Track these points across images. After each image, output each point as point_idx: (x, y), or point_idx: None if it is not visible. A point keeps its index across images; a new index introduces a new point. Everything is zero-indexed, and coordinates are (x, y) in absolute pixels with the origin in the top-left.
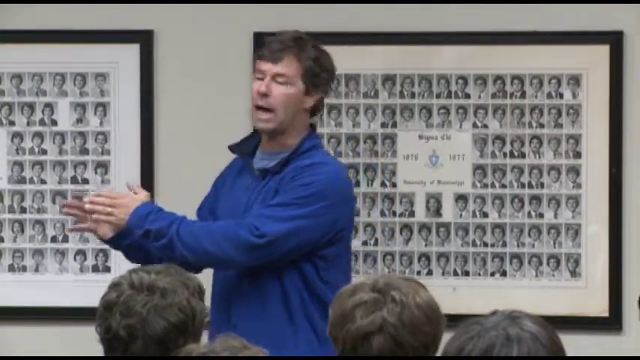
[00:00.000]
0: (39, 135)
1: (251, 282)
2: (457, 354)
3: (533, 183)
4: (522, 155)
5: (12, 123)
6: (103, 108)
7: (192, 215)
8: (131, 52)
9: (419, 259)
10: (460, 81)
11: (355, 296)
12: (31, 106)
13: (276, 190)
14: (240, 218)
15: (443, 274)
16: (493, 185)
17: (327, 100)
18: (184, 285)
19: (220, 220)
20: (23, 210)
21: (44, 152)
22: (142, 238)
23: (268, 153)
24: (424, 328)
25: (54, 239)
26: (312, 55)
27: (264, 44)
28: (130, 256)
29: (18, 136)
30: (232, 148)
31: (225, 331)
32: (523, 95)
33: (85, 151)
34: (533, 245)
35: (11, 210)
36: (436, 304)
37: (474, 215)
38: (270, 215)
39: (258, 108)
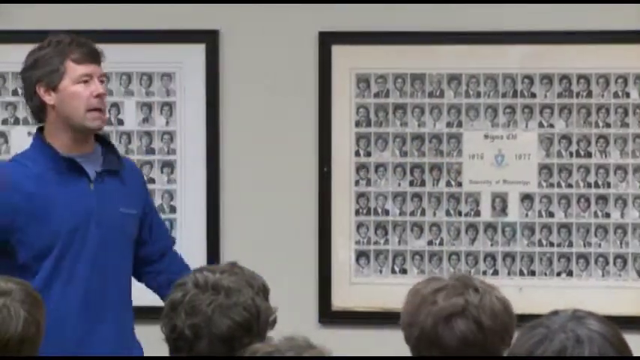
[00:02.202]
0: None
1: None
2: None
3: (600, 182)
4: (588, 155)
5: None
6: (169, 108)
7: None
8: (197, 52)
9: (484, 259)
10: (526, 80)
11: (433, 283)
12: None
13: (138, 193)
14: (87, 220)
15: (509, 274)
16: (559, 185)
17: (392, 100)
18: (249, 284)
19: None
20: None
21: None
22: None
23: (88, 154)
24: (502, 317)
25: None
26: None
27: (65, 50)
28: None
29: None
30: (66, 159)
31: None
32: (589, 94)
33: (150, 150)
34: (599, 245)
35: None
36: (509, 302)
37: (540, 215)
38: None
39: (96, 110)
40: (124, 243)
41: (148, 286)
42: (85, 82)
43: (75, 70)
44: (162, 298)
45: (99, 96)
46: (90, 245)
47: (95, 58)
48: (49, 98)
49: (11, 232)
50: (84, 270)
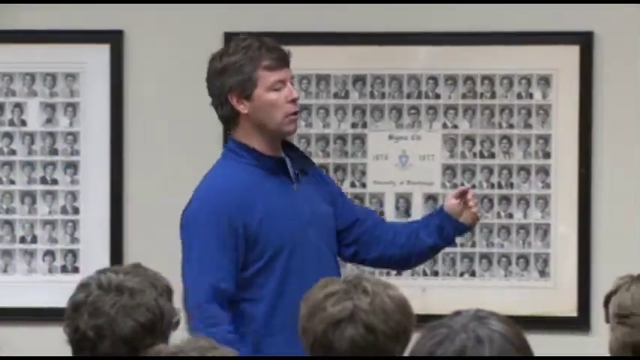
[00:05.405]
0: (8, 135)
1: None
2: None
3: (503, 183)
4: (492, 155)
5: None
6: (72, 108)
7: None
8: (101, 53)
9: None
10: (430, 81)
11: (326, 289)
12: (1, 106)
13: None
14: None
15: (412, 274)
16: (462, 185)
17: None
18: (153, 285)
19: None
20: None
21: (13, 152)
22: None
23: (280, 157)
24: (395, 317)
25: (23, 240)
26: None
27: (256, 57)
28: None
29: None
30: (275, 159)
31: None
32: (493, 95)
33: (54, 151)
34: (502, 245)
35: None
36: (406, 299)
37: None
38: None
39: (295, 113)
40: (332, 241)
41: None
42: (277, 89)
43: (268, 77)
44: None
45: (293, 100)
46: (310, 245)
47: (286, 61)
48: (243, 107)
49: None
50: (309, 269)
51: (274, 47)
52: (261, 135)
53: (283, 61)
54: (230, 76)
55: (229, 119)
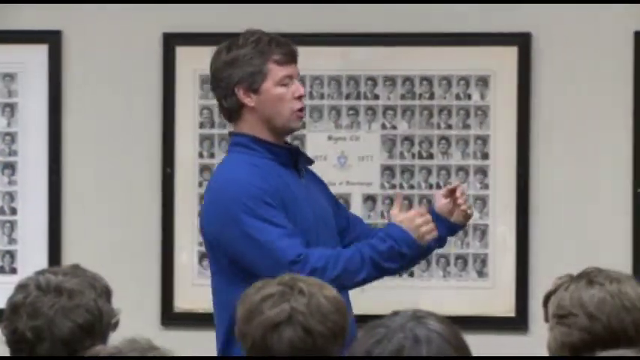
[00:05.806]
0: None
1: None
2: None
3: (441, 184)
4: (430, 156)
5: None
6: (10, 109)
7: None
8: (39, 53)
9: None
10: (369, 82)
11: (262, 291)
12: None
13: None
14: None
15: None
16: (401, 186)
17: None
18: (91, 286)
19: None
20: None
21: None
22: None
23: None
24: (331, 317)
25: None
26: None
27: (266, 51)
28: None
29: None
30: (289, 150)
31: None
32: (432, 96)
33: None
34: None
35: None
36: (341, 298)
37: (382, 216)
38: None
39: (301, 110)
40: (337, 237)
41: None
42: (285, 85)
43: (277, 72)
44: None
45: (300, 97)
46: (321, 240)
47: (294, 58)
48: (249, 100)
49: None
50: None
51: (284, 42)
52: (267, 129)
53: (292, 57)
54: (239, 68)
55: (233, 112)
